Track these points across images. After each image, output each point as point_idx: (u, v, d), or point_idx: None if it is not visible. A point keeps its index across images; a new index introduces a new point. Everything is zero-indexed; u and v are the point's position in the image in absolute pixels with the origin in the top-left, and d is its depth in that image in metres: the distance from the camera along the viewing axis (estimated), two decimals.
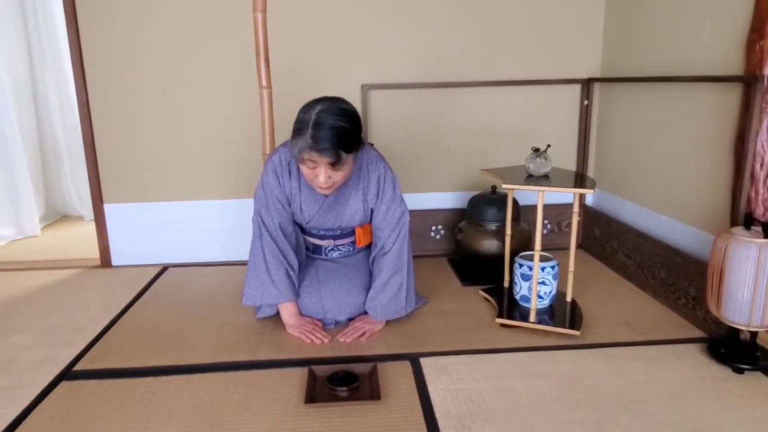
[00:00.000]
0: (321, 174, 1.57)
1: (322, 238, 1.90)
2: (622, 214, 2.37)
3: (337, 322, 1.86)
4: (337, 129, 1.52)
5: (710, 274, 1.55)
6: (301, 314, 1.85)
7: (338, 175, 1.61)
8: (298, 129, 1.55)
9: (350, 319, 1.87)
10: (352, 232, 1.89)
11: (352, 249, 1.93)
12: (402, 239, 1.81)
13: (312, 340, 1.74)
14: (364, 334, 1.77)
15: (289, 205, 1.80)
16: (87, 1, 2.30)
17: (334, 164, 1.55)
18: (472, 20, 2.44)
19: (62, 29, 3.14)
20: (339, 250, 1.92)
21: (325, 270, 1.88)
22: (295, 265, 1.83)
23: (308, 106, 1.58)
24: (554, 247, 2.45)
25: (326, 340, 1.75)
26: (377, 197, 1.78)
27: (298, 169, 1.72)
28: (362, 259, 1.93)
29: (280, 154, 1.76)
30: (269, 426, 1.34)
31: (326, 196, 1.75)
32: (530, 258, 1.86)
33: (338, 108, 1.56)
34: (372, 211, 1.82)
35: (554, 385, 1.49)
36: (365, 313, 1.85)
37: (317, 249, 1.93)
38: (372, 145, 1.93)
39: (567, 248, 1.90)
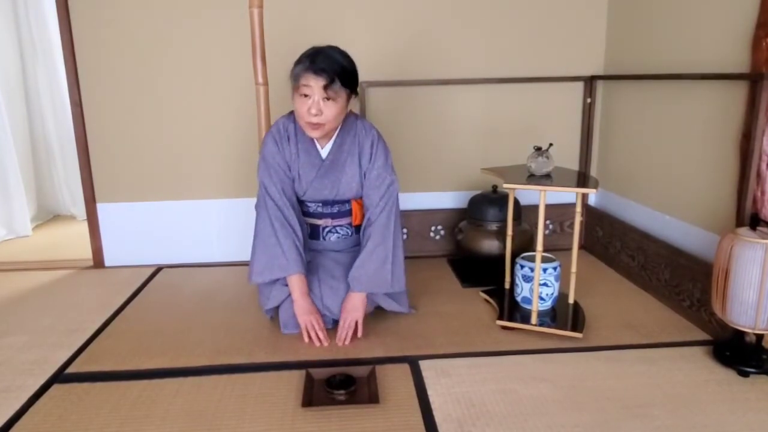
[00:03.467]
0: (314, 105, 1.64)
1: (320, 216, 1.88)
2: (626, 214, 2.35)
3: (335, 321, 1.84)
4: (334, 57, 1.65)
5: (715, 275, 1.53)
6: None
7: (329, 110, 1.65)
8: (298, 60, 1.66)
9: None
10: (349, 212, 1.88)
11: (350, 232, 1.92)
12: (389, 210, 1.80)
13: (311, 338, 1.73)
14: (356, 328, 1.76)
15: (290, 170, 1.81)
16: None
17: (328, 88, 1.61)
18: (473, 16, 2.42)
19: (54, 26, 3.11)
20: (337, 232, 1.91)
21: (325, 269, 1.86)
22: (301, 235, 1.80)
23: (310, 48, 1.69)
24: (556, 248, 2.43)
25: (326, 343, 1.73)
26: (369, 161, 1.81)
27: (296, 135, 1.78)
28: None
29: (279, 123, 1.82)
30: (266, 430, 1.32)
31: (323, 160, 1.79)
32: (532, 259, 1.84)
33: (338, 49, 1.70)
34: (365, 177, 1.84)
35: (556, 389, 1.47)
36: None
37: (315, 232, 1.91)
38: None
39: (569, 249, 1.87)
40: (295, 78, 1.64)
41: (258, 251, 1.79)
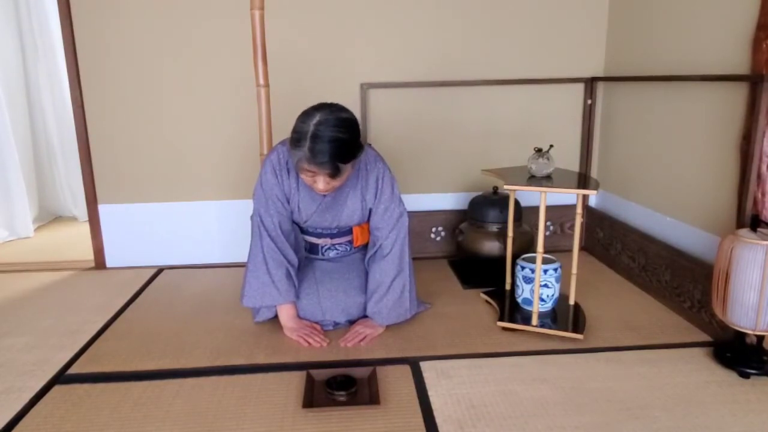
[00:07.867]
0: (320, 182, 1.59)
1: (319, 236, 1.89)
2: (626, 215, 2.35)
3: (335, 324, 1.84)
4: (335, 141, 1.51)
5: (716, 276, 1.53)
6: (299, 317, 1.82)
7: (337, 182, 1.63)
8: (297, 140, 1.54)
9: (349, 321, 1.85)
10: (349, 231, 1.88)
11: (349, 248, 1.92)
12: (402, 240, 1.80)
13: (310, 344, 1.72)
14: (365, 338, 1.75)
15: (288, 203, 1.79)
16: None
17: (333, 176, 1.57)
18: (473, 18, 2.42)
19: (56, 27, 3.13)
20: (336, 249, 1.91)
21: (322, 271, 1.86)
22: (295, 263, 1.82)
23: (306, 116, 1.56)
24: (557, 249, 2.43)
25: (325, 344, 1.73)
26: (375, 197, 1.78)
27: (296, 169, 1.70)
28: (359, 259, 1.91)
29: (279, 152, 1.76)
30: (266, 431, 1.32)
31: (324, 195, 1.75)
32: (532, 260, 1.84)
33: (336, 118, 1.55)
34: (370, 211, 1.81)
35: (557, 390, 1.47)
36: (365, 316, 1.83)
37: (314, 248, 1.91)
38: (370, 145, 1.91)
39: (570, 250, 1.87)
40: (297, 162, 1.56)
41: (250, 277, 1.80)
